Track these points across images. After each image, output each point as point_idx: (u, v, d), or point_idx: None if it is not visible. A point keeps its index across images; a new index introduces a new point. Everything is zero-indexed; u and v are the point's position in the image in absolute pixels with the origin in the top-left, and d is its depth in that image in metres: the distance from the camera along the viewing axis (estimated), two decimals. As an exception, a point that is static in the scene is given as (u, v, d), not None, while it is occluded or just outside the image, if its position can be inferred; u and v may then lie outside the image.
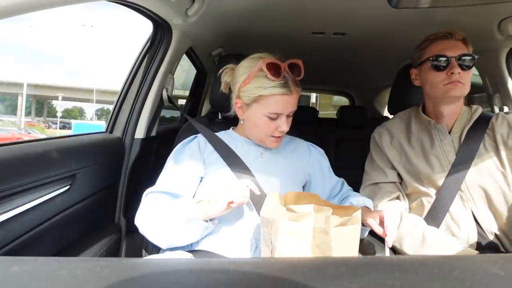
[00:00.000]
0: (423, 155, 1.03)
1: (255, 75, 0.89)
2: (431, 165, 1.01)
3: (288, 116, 0.92)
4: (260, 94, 0.88)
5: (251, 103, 0.90)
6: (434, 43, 1.00)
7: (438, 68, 0.97)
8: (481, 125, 1.01)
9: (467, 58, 0.95)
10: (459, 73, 0.94)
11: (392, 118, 1.18)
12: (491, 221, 0.95)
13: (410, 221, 0.98)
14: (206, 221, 0.81)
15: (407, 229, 0.97)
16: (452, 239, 0.95)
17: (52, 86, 32.54)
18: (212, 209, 0.80)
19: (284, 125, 0.90)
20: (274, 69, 0.87)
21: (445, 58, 0.95)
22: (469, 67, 0.96)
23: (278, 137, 0.93)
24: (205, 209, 0.80)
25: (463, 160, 0.97)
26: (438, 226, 0.97)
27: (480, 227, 0.95)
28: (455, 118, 1.03)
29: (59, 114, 33.75)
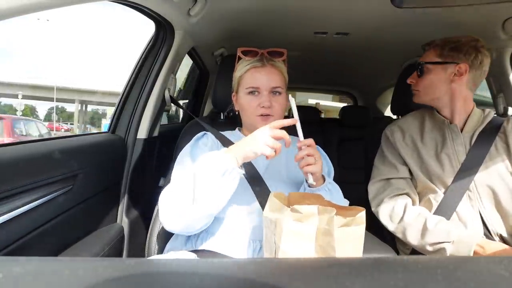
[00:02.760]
0: (435, 153, 1.03)
1: (237, 64, 0.98)
2: (441, 164, 1.01)
3: (272, 92, 0.93)
4: (239, 75, 0.96)
5: (237, 88, 0.97)
6: None
7: None
8: (493, 128, 1.01)
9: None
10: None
11: (404, 117, 1.18)
12: (498, 222, 0.95)
13: (413, 211, 0.99)
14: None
15: (410, 220, 0.97)
16: (454, 224, 0.94)
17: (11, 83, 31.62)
18: (245, 152, 0.76)
19: (266, 100, 0.91)
20: (250, 54, 0.96)
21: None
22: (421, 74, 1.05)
23: (265, 115, 0.92)
24: (237, 153, 0.76)
25: (473, 160, 0.98)
26: None
27: (487, 228, 0.95)
28: (466, 117, 1.04)
29: (19, 113, 31.76)
